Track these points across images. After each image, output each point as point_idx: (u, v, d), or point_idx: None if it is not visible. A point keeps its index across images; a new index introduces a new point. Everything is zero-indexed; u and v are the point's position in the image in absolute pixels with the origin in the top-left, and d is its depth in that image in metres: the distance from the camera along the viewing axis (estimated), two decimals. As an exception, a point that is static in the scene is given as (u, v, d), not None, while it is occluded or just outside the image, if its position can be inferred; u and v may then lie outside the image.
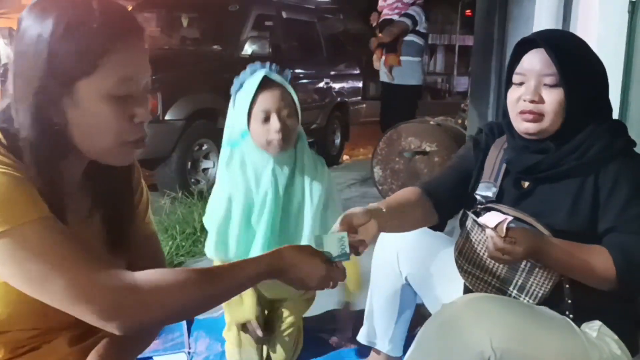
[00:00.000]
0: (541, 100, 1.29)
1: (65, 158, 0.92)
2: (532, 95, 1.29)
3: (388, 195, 1.61)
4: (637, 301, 1.35)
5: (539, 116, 1.29)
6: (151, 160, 4.16)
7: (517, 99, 1.32)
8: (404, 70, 4.77)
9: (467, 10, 20.89)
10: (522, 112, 1.31)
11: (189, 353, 1.94)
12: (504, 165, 1.40)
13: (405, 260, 1.64)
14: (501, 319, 1.17)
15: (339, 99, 6.45)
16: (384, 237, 1.69)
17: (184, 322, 2.06)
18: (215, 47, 4.98)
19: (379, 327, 1.75)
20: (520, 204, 1.34)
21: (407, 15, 4.75)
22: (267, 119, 1.49)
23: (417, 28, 4.78)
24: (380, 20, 5.00)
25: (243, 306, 1.61)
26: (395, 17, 4.81)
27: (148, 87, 0.93)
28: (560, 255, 1.24)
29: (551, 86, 1.28)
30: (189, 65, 4.54)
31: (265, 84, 1.49)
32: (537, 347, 1.17)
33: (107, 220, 1.02)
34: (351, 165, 6.34)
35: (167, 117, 4.21)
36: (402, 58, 4.80)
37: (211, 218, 1.56)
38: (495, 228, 1.22)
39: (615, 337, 1.25)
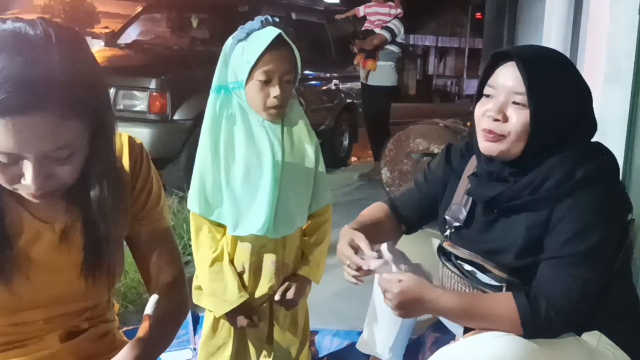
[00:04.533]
0: (505, 119, 1.21)
1: None
2: (496, 113, 1.21)
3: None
4: (638, 304, 1.34)
5: (500, 137, 1.22)
6: (160, 160, 4.15)
7: (483, 113, 1.25)
8: (379, 74, 5.24)
9: (477, 13, 20.84)
10: (484, 130, 1.24)
11: (194, 349, 1.95)
12: None
13: (410, 268, 1.63)
14: (518, 358, 1.15)
15: (347, 101, 6.43)
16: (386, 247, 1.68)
17: (190, 321, 2.06)
18: (224, 47, 4.99)
19: (380, 335, 1.73)
20: (486, 232, 1.31)
21: (387, 28, 5.24)
22: (267, 82, 1.42)
23: (397, 40, 5.24)
24: (362, 29, 5.53)
25: (226, 294, 1.50)
26: (377, 30, 5.29)
27: (37, 158, 0.85)
28: (457, 312, 1.22)
29: (519, 105, 1.20)
30: (199, 65, 4.55)
31: (276, 43, 1.41)
32: None
33: (85, 231, 1.00)
34: (359, 166, 6.33)
35: (175, 117, 4.23)
36: (379, 63, 5.23)
37: (200, 174, 1.49)
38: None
39: (615, 346, 1.24)
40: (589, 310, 1.22)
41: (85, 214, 0.98)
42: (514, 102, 1.21)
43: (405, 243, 1.61)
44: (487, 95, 1.26)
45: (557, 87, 1.21)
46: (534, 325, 1.18)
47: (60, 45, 0.82)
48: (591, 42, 2.61)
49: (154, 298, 1.08)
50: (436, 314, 1.25)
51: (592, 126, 1.28)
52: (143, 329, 1.01)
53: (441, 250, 1.42)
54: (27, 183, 0.85)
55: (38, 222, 0.98)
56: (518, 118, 1.20)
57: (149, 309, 1.04)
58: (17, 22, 0.83)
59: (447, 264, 1.38)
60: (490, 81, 1.26)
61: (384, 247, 1.58)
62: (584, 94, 1.26)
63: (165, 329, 1.05)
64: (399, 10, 5.28)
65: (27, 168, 0.84)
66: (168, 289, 1.10)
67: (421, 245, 1.62)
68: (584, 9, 2.81)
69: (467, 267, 1.34)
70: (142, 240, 1.10)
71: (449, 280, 1.38)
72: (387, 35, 5.20)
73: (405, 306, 1.23)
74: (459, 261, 1.36)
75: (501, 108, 1.22)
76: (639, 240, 1.39)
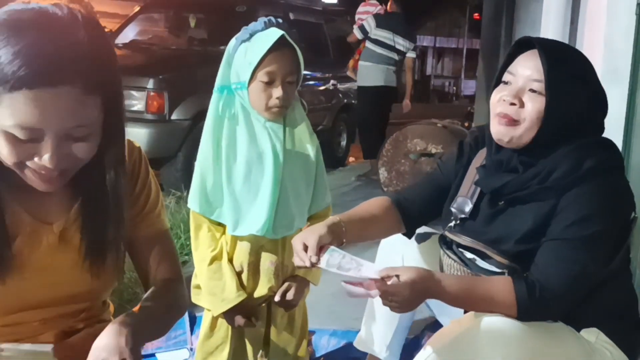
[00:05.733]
0: (521, 105, 1.24)
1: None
2: (512, 97, 1.24)
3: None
4: (637, 303, 1.34)
5: (514, 121, 1.24)
6: (157, 160, 4.16)
7: (499, 98, 1.27)
8: (362, 73, 5.29)
9: (475, 14, 20.85)
10: (499, 115, 1.26)
11: (190, 349, 1.95)
12: None
13: (411, 265, 1.63)
14: (512, 340, 1.16)
15: (345, 101, 6.44)
16: (388, 241, 1.67)
17: (187, 321, 2.06)
18: (222, 47, 4.94)
19: (378, 334, 1.73)
20: (491, 223, 1.32)
21: (360, 26, 5.29)
22: (270, 83, 1.43)
23: (370, 36, 5.16)
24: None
25: (224, 293, 1.50)
26: (354, 28, 5.42)
27: (54, 137, 0.84)
28: (458, 294, 1.22)
29: (536, 92, 1.23)
30: (196, 65, 4.56)
31: (279, 44, 1.41)
32: None
33: (83, 222, 1.00)
34: (357, 166, 6.33)
35: (173, 117, 4.23)
36: (361, 63, 5.27)
37: (201, 172, 1.49)
38: (374, 280, 1.19)
39: (613, 344, 1.24)
40: (580, 297, 1.23)
41: (98, 201, 0.98)
42: (531, 90, 1.23)
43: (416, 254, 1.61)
44: (505, 83, 1.28)
45: (574, 80, 1.24)
46: (528, 306, 1.18)
47: (85, 25, 0.85)
48: (588, 42, 2.61)
49: (151, 289, 1.08)
50: (436, 298, 1.24)
51: (600, 129, 1.31)
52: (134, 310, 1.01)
53: (442, 240, 1.42)
54: (43, 161, 0.85)
55: (38, 223, 0.97)
56: (534, 105, 1.23)
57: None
58: (42, 3, 0.85)
59: (447, 252, 1.39)
60: (510, 68, 1.28)
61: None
62: (598, 96, 1.28)
63: (157, 312, 1.04)
64: (377, 8, 5.35)
65: (46, 146, 0.84)
66: (166, 283, 1.10)
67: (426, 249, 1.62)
68: (581, 10, 2.81)
69: (468, 254, 1.35)
70: (141, 243, 1.10)
71: (449, 269, 1.38)
72: (357, 32, 5.25)
73: (414, 303, 1.22)
74: (460, 249, 1.36)
75: (518, 93, 1.24)
76: (638, 239, 1.39)
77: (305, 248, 1.24)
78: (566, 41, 2.96)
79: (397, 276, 1.18)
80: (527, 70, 1.24)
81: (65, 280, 0.99)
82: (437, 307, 1.63)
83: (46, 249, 0.98)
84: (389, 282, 1.18)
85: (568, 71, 1.24)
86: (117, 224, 1.00)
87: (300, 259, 1.24)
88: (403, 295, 1.17)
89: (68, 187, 0.96)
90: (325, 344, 2.07)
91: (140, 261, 1.11)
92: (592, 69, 1.30)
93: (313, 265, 1.23)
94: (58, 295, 1.00)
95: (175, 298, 1.11)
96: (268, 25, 1.45)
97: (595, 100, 1.28)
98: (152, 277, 1.11)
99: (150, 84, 4.17)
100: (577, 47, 2.84)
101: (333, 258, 1.23)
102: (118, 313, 1.20)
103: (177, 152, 4.26)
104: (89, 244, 0.99)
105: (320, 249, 1.24)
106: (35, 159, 0.85)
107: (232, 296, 1.49)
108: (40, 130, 0.83)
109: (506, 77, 1.28)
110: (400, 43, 5.21)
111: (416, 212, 1.52)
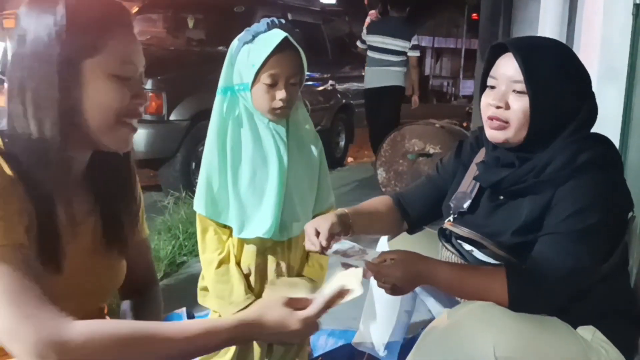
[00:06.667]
0: (507, 107, 1.26)
1: (72, 146, 0.94)
2: (497, 101, 1.27)
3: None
4: (635, 303, 1.34)
5: (504, 123, 1.26)
6: (155, 160, 4.17)
7: (486, 103, 1.30)
8: (365, 77, 5.62)
9: (474, 14, 20.85)
10: (489, 118, 1.29)
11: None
12: None
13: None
14: (505, 328, 1.16)
15: (343, 101, 6.44)
16: (386, 239, 1.68)
17: (185, 320, 2.06)
18: (220, 48, 4.98)
19: (376, 332, 1.73)
20: (491, 217, 1.33)
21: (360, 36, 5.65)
22: (273, 85, 1.41)
23: (368, 43, 5.40)
24: None
25: (232, 296, 1.50)
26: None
27: (142, 77, 0.99)
28: (450, 280, 1.24)
29: (519, 93, 1.25)
30: (194, 66, 4.56)
31: (282, 46, 1.40)
32: (540, 355, 1.16)
33: (105, 214, 1.03)
34: (355, 167, 6.33)
35: (171, 118, 4.23)
36: (367, 68, 5.59)
37: (207, 176, 1.49)
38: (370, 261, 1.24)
39: (609, 342, 1.24)
40: (575, 292, 1.23)
41: (102, 203, 1.03)
42: (515, 91, 1.25)
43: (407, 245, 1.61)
44: (491, 87, 1.30)
45: (554, 73, 1.25)
46: (519, 296, 1.19)
47: None
48: (585, 42, 2.62)
49: (127, 304, 1.11)
50: (428, 282, 1.26)
51: (594, 111, 1.30)
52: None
53: (441, 233, 1.44)
54: (139, 98, 0.96)
55: (72, 225, 0.97)
56: (519, 105, 1.25)
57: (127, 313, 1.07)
58: None
59: (446, 244, 1.40)
60: (492, 72, 1.30)
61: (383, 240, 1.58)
62: (583, 81, 1.29)
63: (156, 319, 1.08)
64: (368, 18, 5.52)
65: (137, 82, 0.97)
66: (154, 289, 1.14)
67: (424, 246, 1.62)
68: (579, 10, 2.82)
69: (467, 246, 1.36)
70: (132, 248, 1.11)
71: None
72: (359, 43, 5.58)
73: (407, 284, 1.25)
74: (458, 241, 1.37)
75: (503, 97, 1.27)
76: (635, 238, 1.40)
77: (317, 234, 1.30)
78: (564, 41, 2.97)
79: (392, 259, 1.23)
80: (508, 71, 1.26)
81: (95, 279, 1.01)
82: (434, 305, 1.63)
83: (79, 248, 0.98)
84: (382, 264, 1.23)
85: (546, 66, 1.25)
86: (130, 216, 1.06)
87: (312, 243, 1.30)
88: (395, 276, 1.22)
89: (88, 188, 1.01)
90: (323, 343, 2.06)
91: (128, 266, 1.12)
92: (572, 57, 1.30)
93: (322, 250, 1.28)
94: (85, 293, 0.99)
95: (160, 304, 1.16)
96: (271, 26, 1.43)
97: (583, 83, 1.28)
98: (134, 283, 1.13)
99: (148, 84, 4.16)
100: (575, 46, 2.85)
101: (342, 245, 1.29)
102: (116, 313, 1.20)
103: (175, 152, 4.26)
104: (113, 239, 1.03)
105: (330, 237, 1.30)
106: (133, 99, 0.95)
107: (240, 299, 1.49)
108: (136, 67, 0.96)
109: (490, 81, 1.31)
110: (393, 43, 5.24)
111: (415, 212, 1.54)
